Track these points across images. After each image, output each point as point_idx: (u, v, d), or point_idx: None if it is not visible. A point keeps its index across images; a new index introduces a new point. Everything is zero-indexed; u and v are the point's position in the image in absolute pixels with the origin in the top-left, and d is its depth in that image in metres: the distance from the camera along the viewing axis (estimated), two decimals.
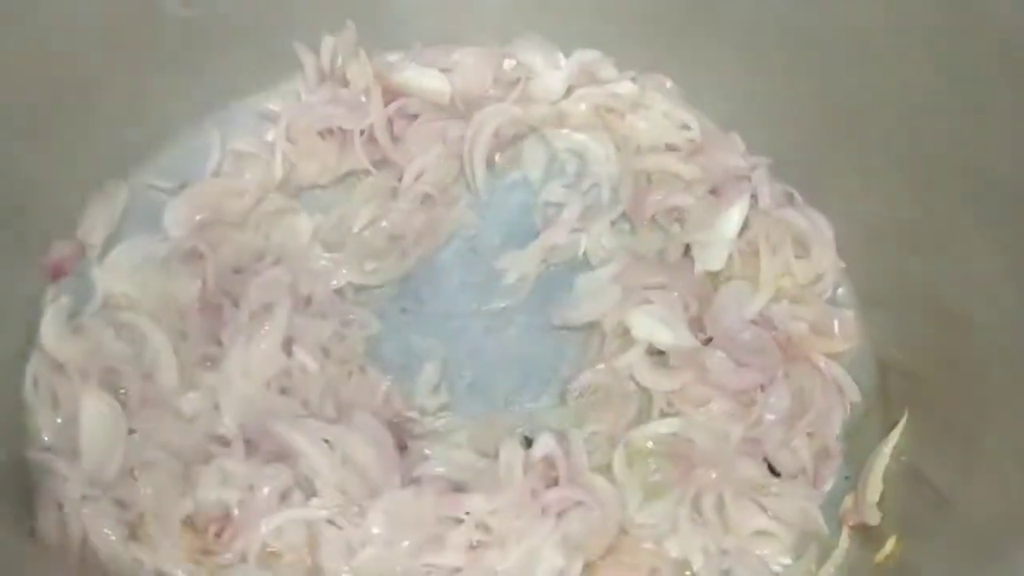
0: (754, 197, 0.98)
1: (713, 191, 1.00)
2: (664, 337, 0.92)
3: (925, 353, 0.88)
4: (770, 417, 0.89)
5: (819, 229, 0.98)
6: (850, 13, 0.88)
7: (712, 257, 0.96)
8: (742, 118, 1.03)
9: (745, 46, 0.98)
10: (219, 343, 0.87)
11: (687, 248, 0.98)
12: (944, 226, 0.86)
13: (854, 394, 0.91)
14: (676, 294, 0.94)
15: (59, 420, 0.84)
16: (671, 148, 1.05)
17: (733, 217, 0.97)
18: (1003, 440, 0.77)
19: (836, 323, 0.95)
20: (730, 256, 0.96)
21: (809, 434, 0.89)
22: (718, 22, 0.98)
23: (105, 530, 0.78)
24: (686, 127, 1.05)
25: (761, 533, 0.85)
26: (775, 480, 0.87)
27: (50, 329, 0.87)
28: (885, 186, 0.91)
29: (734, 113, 1.04)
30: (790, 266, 0.96)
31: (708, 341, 0.92)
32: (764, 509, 0.85)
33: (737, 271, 0.96)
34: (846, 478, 0.88)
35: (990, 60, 0.78)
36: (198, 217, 0.94)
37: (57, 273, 0.91)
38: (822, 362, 0.92)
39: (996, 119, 0.79)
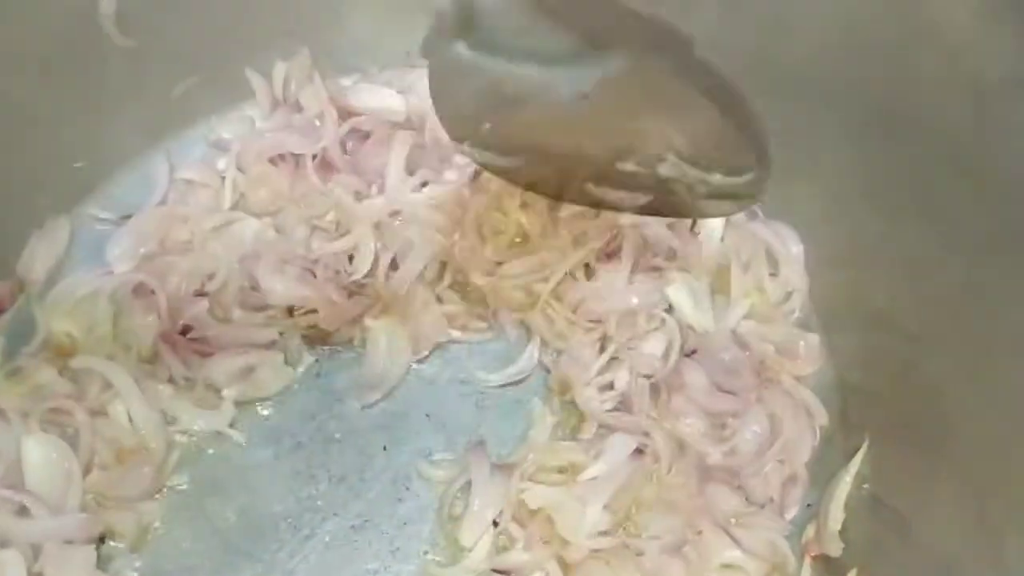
0: None
1: None
2: (687, 310, 0.91)
3: (886, 375, 0.86)
4: (745, 446, 0.87)
5: (787, 245, 0.96)
6: (809, 36, 0.86)
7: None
8: None
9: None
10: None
11: None
12: (903, 247, 0.84)
13: (823, 417, 0.89)
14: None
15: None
16: None
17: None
18: (962, 463, 0.75)
19: (802, 345, 0.93)
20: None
21: (780, 461, 0.87)
22: None
23: None
24: None
25: (728, 566, 0.82)
26: (749, 509, 0.85)
27: None
28: (846, 207, 0.90)
29: None
30: (763, 283, 0.95)
31: (691, 353, 0.91)
32: (737, 542, 0.82)
33: (712, 284, 0.95)
34: (808, 506, 0.86)
35: (944, 78, 0.76)
36: (142, 249, 0.92)
37: None
38: (792, 386, 0.90)
39: (953, 138, 0.77)
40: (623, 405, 0.88)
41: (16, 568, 0.76)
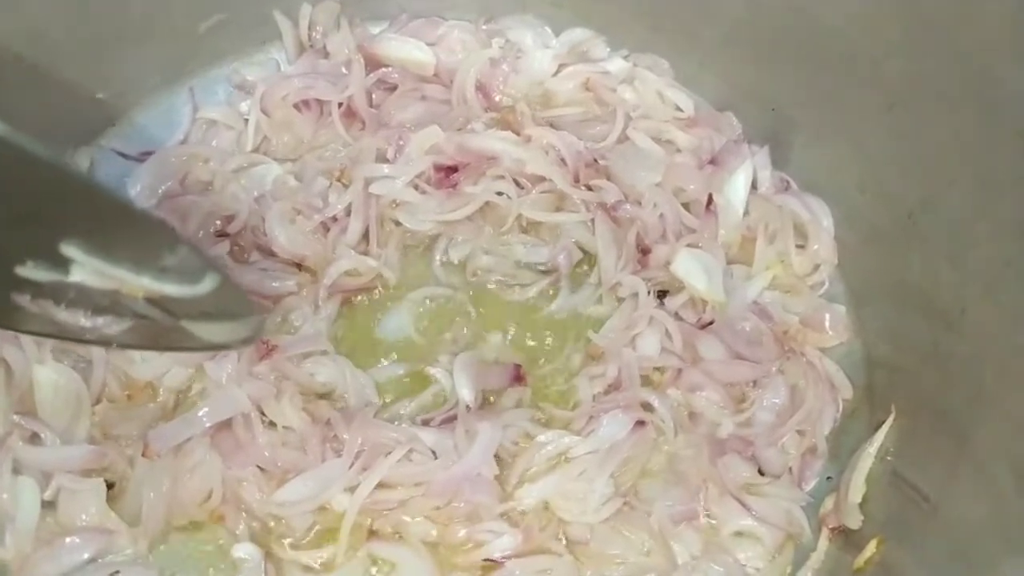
0: (753, 186, 0.95)
1: (712, 161, 0.96)
2: (699, 284, 0.89)
3: (915, 350, 0.85)
4: (763, 416, 0.86)
5: (817, 218, 0.94)
6: None
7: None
8: (736, 105, 1.00)
9: (742, 31, 0.94)
10: None
11: None
12: (942, 219, 0.82)
13: (847, 391, 0.88)
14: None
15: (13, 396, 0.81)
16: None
17: (739, 184, 0.94)
18: (992, 440, 0.74)
19: (827, 317, 0.91)
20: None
21: (799, 432, 0.85)
22: (716, 6, 0.94)
23: None
24: (679, 109, 1.01)
25: (741, 534, 0.82)
26: (763, 480, 0.84)
27: None
28: (882, 179, 0.88)
29: (728, 99, 1.00)
30: (789, 256, 0.93)
31: (708, 324, 0.89)
32: (749, 510, 0.82)
33: (736, 255, 0.93)
34: (828, 478, 0.85)
35: (996, 46, 0.74)
36: (162, 188, 0.91)
37: None
38: (816, 357, 0.89)
39: (1000, 109, 0.75)
40: (613, 387, 0.86)
41: (31, 494, 0.76)
